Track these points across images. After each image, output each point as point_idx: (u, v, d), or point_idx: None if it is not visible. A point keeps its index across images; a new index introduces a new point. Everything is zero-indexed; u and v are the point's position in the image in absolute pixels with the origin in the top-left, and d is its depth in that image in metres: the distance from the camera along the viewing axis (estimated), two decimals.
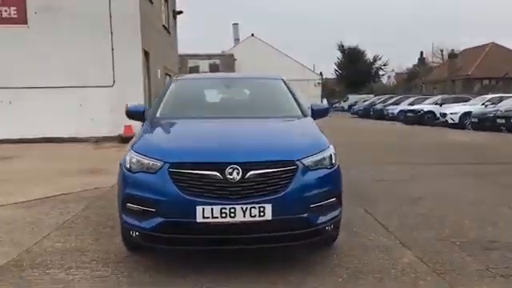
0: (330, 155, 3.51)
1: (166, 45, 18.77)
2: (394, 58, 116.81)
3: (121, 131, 12.89)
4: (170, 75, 19.45)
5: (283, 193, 3.15)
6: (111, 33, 13.21)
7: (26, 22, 13.16)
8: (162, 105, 4.48)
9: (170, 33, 19.94)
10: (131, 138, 12.01)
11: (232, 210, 3.06)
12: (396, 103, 30.12)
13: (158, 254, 3.61)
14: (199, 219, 3.06)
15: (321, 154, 3.44)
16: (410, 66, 58.40)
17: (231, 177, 3.09)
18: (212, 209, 3.05)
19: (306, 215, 3.22)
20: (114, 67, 13.30)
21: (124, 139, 12.55)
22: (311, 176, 3.29)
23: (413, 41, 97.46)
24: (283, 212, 3.15)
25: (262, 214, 3.09)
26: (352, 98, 48.96)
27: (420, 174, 7.63)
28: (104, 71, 13.24)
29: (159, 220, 3.14)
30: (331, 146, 3.60)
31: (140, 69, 13.48)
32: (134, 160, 3.33)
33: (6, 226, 4.66)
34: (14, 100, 13.18)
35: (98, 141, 13.17)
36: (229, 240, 3.18)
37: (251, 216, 3.08)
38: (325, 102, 47.87)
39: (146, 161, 3.26)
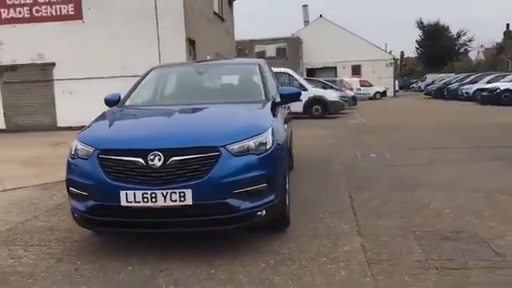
0: (266, 141, 3.48)
1: (218, 32, 19.10)
2: (483, 31, 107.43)
3: None
4: None
5: (204, 178, 3.20)
6: (157, 23, 13.77)
7: (81, 18, 14.14)
8: (132, 93, 4.69)
9: (223, 19, 20.24)
10: None
11: (153, 195, 3.18)
12: (473, 82, 27.88)
13: (120, 236, 3.82)
14: (123, 203, 3.22)
15: (253, 139, 3.42)
16: (500, 40, 53.66)
17: (153, 163, 3.20)
18: (134, 193, 3.20)
19: (228, 200, 3.25)
20: (160, 56, 13.85)
21: None
22: (236, 162, 3.30)
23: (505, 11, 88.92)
24: (204, 197, 3.21)
25: (182, 199, 3.18)
26: (430, 77, 46.46)
27: (443, 159, 7.17)
28: (151, 61, 13.76)
29: (91, 203, 3.36)
30: (269, 131, 3.57)
31: (184, 57, 13.90)
32: (74, 147, 3.57)
33: (11, 206, 5.19)
34: (73, 91, 14.30)
35: None
36: (152, 224, 3.31)
37: (172, 201, 3.18)
38: (396, 83, 45.77)
39: (82, 147, 3.48)
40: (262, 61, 5.11)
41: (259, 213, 3.40)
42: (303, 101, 16.02)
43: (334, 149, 8.63)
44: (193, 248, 3.58)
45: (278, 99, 4.52)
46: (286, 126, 4.73)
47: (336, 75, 42.84)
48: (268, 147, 3.49)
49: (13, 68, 14.57)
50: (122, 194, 3.21)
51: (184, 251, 3.52)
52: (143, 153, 3.24)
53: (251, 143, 3.41)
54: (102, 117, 4.16)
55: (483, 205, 4.52)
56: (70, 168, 3.54)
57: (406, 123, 13.18)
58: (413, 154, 7.67)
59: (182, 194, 3.18)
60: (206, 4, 17.34)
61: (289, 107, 6.42)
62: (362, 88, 34.30)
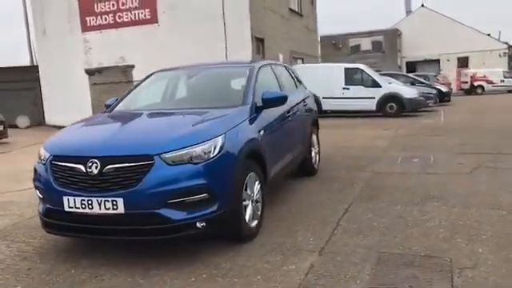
0: (210, 149, 3.37)
1: (294, 28, 18.85)
2: None
3: None
4: (302, 59, 19.60)
5: (135, 187, 3.19)
6: (224, 23, 14.04)
7: (156, 21, 14.96)
8: (125, 98, 4.84)
9: (302, 15, 19.94)
10: None
11: (90, 202, 3.25)
12: None
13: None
14: (66, 208, 3.34)
15: (193, 147, 3.32)
16: None
17: (90, 170, 3.27)
18: (74, 199, 3.30)
19: (160, 211, 3.20)
20: (227, 56, 14.11)
21: None
22: (171, 171, 3.24)
23: None
24: (135, 206, 3.20)
25: (114, 207, 3.20)
26: None
27: (493, 167, 6.29)
28: (220, 59, 14.17)
29: (45, 206, 3.54)
30: (216, 139, 3.44)
31: (250, 56, 13.99)
32: (39, 152, 3.78)
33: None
34: None
35: None
36: (92, 230, 3.38)
37: (106, 208, 3.22)
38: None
39: (43, 152, 3.67)
40: (258, 64, 4.92)
41: (198, 224, 3.29)
42: (376, 98, 15.21)
43: (379, 152, 8.03)
44: (141, 255, 3.59)
45: (260, 103, 4.33)
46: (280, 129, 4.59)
47: (440, 68, 39.89)
48: (212, 156, 3.37)
49: (99, 70, 15.91)
50: (65, 199, 3.33)
51: (133, 258, 3.54)
52: (83, 160, 3.32)
53: (190, 151, 3.31)
54: (79, 122, 4.34)
55: (491, 226, 3.88)
56: (34, 172, 3.76)
57: (487, 124, 11.79)
58: (461, 160, 6.83)
59: (114, 203, 3.20)
60: (279, 1, 17.22)
61: (310, 109, 6.15)
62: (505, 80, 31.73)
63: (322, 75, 15.55)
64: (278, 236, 3.89)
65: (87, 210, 3.27)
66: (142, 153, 3.27)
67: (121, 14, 15.41)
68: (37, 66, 18.08)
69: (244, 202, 3.70)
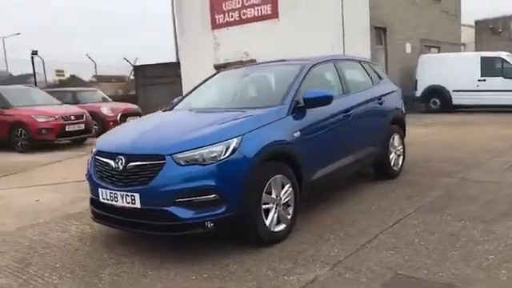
0: (221, 151, 3.39)
1: (428, 14, 17.29)
2: None
3: None
4: (438, 47, 17.97)
5: (149, 185, 3.39)
6: (342, 13, 13.63)
7: (277, 16, 15.22)
8: (186, 97, 5.10)
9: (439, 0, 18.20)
10: None
11: (115, 195, 3.56)
12: None
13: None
14: (101, 199, 3.72)
15: (205, 148, 3.38)
16: None
17: (117, 166, 3.58)
18: (105, 192, 3.65)
19: (169, 208, 3.34)
20: (345, 47, 13.70)
21: None
22: (181, 171, 3.35)
23: None
24: (149, 202, 3.40)
25: (133, 201, 3.46)
26: None
27: None
28: (337, 52, 13.82)
29: (90, 196, 3.98)
30: (230, 140, 3.44)
31: (368, 48, 13.36)
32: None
33: None
34: None
35: None
36: (119, 221, 3.67)
37: (126, 202, 3.50)
38: None
39: (94, 146, 4.11)
40: (313, 62, 4.69)
41: (207, 224, 3.36)
42: None
43: (488, 156, 7.00)
44: (165, 249, 3.80)
45: (302, 104, 4.17)
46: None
47: None
48: (223, 157, 3.39)
49: (225, 66, 16.83)
50: (100, 191, 3.70)
51: (157, 251, 3.77)
52: (113, 156, 3.64)
53: (202, 152, 3.38)
54: (137, 119, 4.72)
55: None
56: (87, 164, 4.22)
57: None
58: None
59: (132, 198, 3.45)
60: None
61: (390, 107, 5.68)
62: None
63: (453, 66, 14.06)
64: (305, 243, 3.73)
65: (113, 203, 3.58)
66: (155, 152, 3.45)
67: (245, 11, 16.06)
68: (179, 62, 19.93)
69: (265, 206, 3.63)
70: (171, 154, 3.39)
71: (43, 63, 23.91)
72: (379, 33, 14.11)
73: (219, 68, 17.02)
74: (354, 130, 4.89)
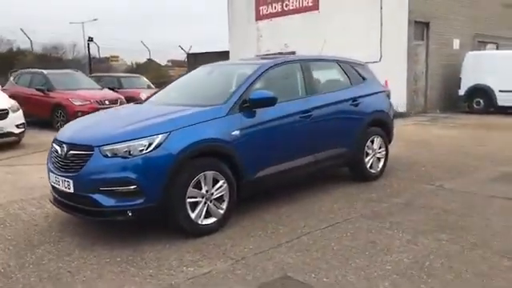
0: (144, 145, 3.65)
1: (485, 6, 16.17)
2: None
3: None
4: (496, 44, 16.83)
5: (79, 172, 3.73)
6: (381, 7, 13.23)
7: (317, 8, 15.07)
8: (161, 90, 5.38)
9: None
10: None
11: (57, 180, 3.96)
12: None
13: None
14: (51, 183, 4.13)
15: (129, 142, 3.65)
16: None
17: (61, 153, 3.97)
18: (52, 176, 4.05)
19: (93, 195, 3.66)
20: (382, 42, 13.31)
21: None
22: (105, 162, 3.65)
23: None
24: (79, 188, 3.75)
25: (68, 187, 3.82)
26: None
27: None
28: (374, 46, 13.50)
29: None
30: (155, 137, 3.69)
31: (405, 43, 12.88)
32: None
33: None
34: None
35: None
36: (62, 203, 4.04)
37: (64, 187, 3.87)
38: None
39: None
40: (271, 62, 4.78)
41: (128, 212, 3.65)
42: None
43: (491, 165, 6.66)
44: (123, 235, 4.14)
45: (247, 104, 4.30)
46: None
47: None
48: (145, 152, 3.64)
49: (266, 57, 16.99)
50: (50, 174, 4.12)
51: (114, 237, 4.12)
52: (60, 144, 4.03)
53: (126, 146, 3.65)
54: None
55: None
56: None
57: None
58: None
59: (68, 183, 3.82)
60: None
61: (368, 110, 5.60)
62: None
63: (500, 64, 13.17)
64: (229, 237, 3.90)
65: (57, 186, 3.97)
66: (86, 143, 3.79)
67: (287, 3, 16.06)
68: (228, 51, 20.37)
69: (191, 199, 3.84)
70: (99, 146, 3.70)
71: (98, 49, 25.44)
72: (421, 28, 13.51)
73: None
74: (314, 131, 4.92)
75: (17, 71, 13.99)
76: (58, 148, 4.07)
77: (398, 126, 10.95)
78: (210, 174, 3.95)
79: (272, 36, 16.58)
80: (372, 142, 5.71)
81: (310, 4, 15.33)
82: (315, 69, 5.22)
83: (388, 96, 6.19)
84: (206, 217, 3.97)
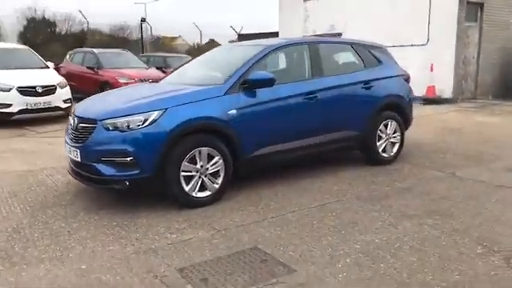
0: (141, 120, 3.95)
1: None
2: None
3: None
4: None
5: (85, 143, 4.11)
6: None
7: None
8: (176, 70, 5.65)
9: None
10: (434, 100, 12.32)
11: (70, 150, 4.36)
12: None
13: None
14: (66, 153, 4.55)
15: (127, 117, 3.96)
16: None
17: (73, 125, 4.36)
18: (67, 146, 4.46)
19: (96, 164, 4.02)
20: (430, 24, 12.78)
21: (428, 100, 12.33)
22: (106, 134, 3.99)
23: None
24: (85, 158, 4.12)
25: (76, 156, 4.21)
26: None
27: None
28: (420, 29, 13.00)
29: None
30: (151, 113, 3.97)
31: (454, 25, 12.27)
32: None
33: None
34: None
35: None
36: (74, 171, 4.44)
37: (74, 156, 4.27)
38: None
39: None
40: (275, 44, 4.88)
41: (126, 181, 3.99)
42: None
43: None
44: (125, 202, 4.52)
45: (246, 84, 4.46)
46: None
47: None
48: (141, 127, 3.94)
49: None
50: (65, 145, 4.54)
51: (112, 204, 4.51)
52: (74, 117, 4.42)
53: (124, 121, 3.97)
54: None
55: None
56: None
57: None
58: None
59: (76, 153, 4.21)
60: None
61: (381, 93, 5.56)
62: None
63: None
64: (220, 210, 4.12)
65: (70, 155, 4.38)
66: (91, 117, 4.14)
67: None
68: (277, 32, 20.37)
69: (185, 173, 4.10)
70: (101, 120, 4.04)
71: (151, 29, 26.29)
72: (474, 8, 12.78)
73: None
74: (319, 113, 4.99)
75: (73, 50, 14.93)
76: (71, 121, 4.46)
77: (438, 113, 10.67)
78: (204, 150, 4.18)
79: (319, 17, 16.37)
80: (386, 126, 5.67)
81: None
82: (325, 51, 5.25)
83: (407, 80, 6.07)
84: (200, 190, 4.22)
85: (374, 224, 3.77)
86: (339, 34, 15.70)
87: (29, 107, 9.14)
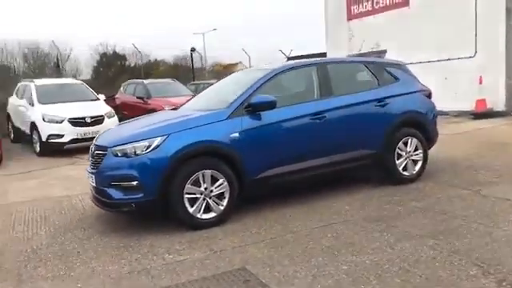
0: (145, 147, 4.19)
1: None
2: None
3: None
4: None
5: (98, 169, 4.41)
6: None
7: (407, 4, 14.38)
8: (194, 98, 5.91)
9: None
10: (484, 113, 11.97)
11: (89, 176, 4.69)
12: None
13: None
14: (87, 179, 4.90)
15: (132, 144, 4.23)
16: None
17: (91, 153, 4.71)
18: (87, 173, 4.79)
19: (106, 189, 4.31)
20: (477, 36, 12.25)
21: (478, 114, 11.77)
22: (114, 160, 4.28)
23: None
24: (98, 183, 4.43)
25: (92, 181, 4.53)
26: None
27: None
28: (467, 41, 12.48)
29: None
30: (154, 139, 4.21)
31: (503, 35, 11.67)
32: None
33: None
34: None
35: (459, 115, 12.77)
36: (93, 197, 4.74)
37: (91, 182, 4.59)
38: None
39: None
40: (280, 68, 5.00)
41: (133, 204, 4.23)
42: None
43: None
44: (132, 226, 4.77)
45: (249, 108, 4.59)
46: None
47: None
48: (145, 152, 4.18)
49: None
50: (86, 172, 4.88)
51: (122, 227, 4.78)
52: (93, 146, 4.76)
53: (130, 147, 4.23)
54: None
55: None
56: None
57: None
58: None
59: (92, 178, 4.53)
60: None
61: (396, 110, 5.45)
62: None
63: None
64: (223, 231, 4.24)
65: (89, 181, 4.71)
66: (103, 144, 4.45)
67: (377, 0, 15.60)
68: (325, 53, 20.42)
69: (189, 195, 4.26)
70: (110, 147, 4.34)
71: (201, 58, 27.32)
72: None
73: None
74: (328, 133, 4.98)
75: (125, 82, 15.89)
76: (91, 149, 4.81)
77: (485, 127, 10.10)
78: (208, 172, 4.33)
79: (363, 35, 16.22)
80: (405, 143, 5.52)
81: (400, 0, 14.68)
82: (335, 71, 5.27)
83: (428, 96, 5.89)
84: (206, 212, 4.36)
85: (371, 244, 3.68)
86: (384, 52, 15.47)
87: (79, 137, 9.86)
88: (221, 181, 4.39)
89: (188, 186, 4.26)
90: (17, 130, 11.70)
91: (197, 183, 4.30)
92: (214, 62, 37.71)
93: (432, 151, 6.00)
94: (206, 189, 4.34)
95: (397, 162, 5.48)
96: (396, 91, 5.53)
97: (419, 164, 5.65)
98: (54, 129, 9.73)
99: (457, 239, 3.68)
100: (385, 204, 4.80)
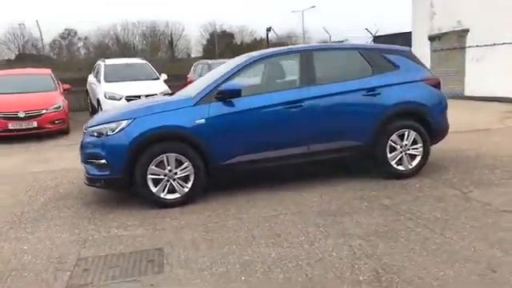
0: (113, 128, 4.57)
1: None
2: None
3: None
4: None
5: (81, 147, 4.91)
6: None
7: None
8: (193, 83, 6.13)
9: None
10: None
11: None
12: None
13: None
14: None
15: (104, 125, 4.64)
16: None
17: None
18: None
19: (86, 165, 4.79)
20: None
21: None
22: (89, 139, 4.74)
23: None
24: (82, 159, 4.92)
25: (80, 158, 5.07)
26: None
27: None
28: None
29: None
30: (123, 121, 4.55)
31: None
32: None
33: None
34: (480, 58, 13.62)
35: None
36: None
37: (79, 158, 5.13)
38: None
39: None
40: (257, 56, 4.96)
41: (102, 180, 4.67)
42: None
43: None
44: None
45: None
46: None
47: None
48: (112, 133, 4.56)
49: (439, 36, 15.43)
50: None
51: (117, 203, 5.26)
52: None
53: (100, 128, 4.67)
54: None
55: None
56: None
57: None
58: None
59: (79, 155, 5.06)
60: None
61: (390, 102, 5.16)
62: None
63: None
64: (180, 212, 4.48)
65: None
66: (86, 125, 4.93)
67: None
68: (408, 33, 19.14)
69: (152, 176, 4.56)
70: (89, 127, 4.79)
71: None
72: None
73: (433, 39, 15.68)
74: (306, 122, 4.89)
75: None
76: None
77: None
78: (172, 155, 4.58)
79: (445, 13, 14.90)
80: (401, 136, 5.20)
81: None
82: (321, 59, 5.09)
83: (436, 86, 5.42)
84: (171, 192, 4.63)
85: (295, 239, 3.66)
86: (466, 31, 14.12)
87: None
88: (186, 164, 4.61)
89: (152, 168, 4.55)
90: (92, 104, 13.04)
91: (161, 165, 4.57)
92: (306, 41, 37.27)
93: (460, 146, 5.53)
94: (170, 171, 4.59)
95: (389, 155, 5.19)
96: (393, 80, 5.19)
97: (417, 159, 5.29)
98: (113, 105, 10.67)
99: (385, 242, 3.50)
100: (355, 199, 4.64)
